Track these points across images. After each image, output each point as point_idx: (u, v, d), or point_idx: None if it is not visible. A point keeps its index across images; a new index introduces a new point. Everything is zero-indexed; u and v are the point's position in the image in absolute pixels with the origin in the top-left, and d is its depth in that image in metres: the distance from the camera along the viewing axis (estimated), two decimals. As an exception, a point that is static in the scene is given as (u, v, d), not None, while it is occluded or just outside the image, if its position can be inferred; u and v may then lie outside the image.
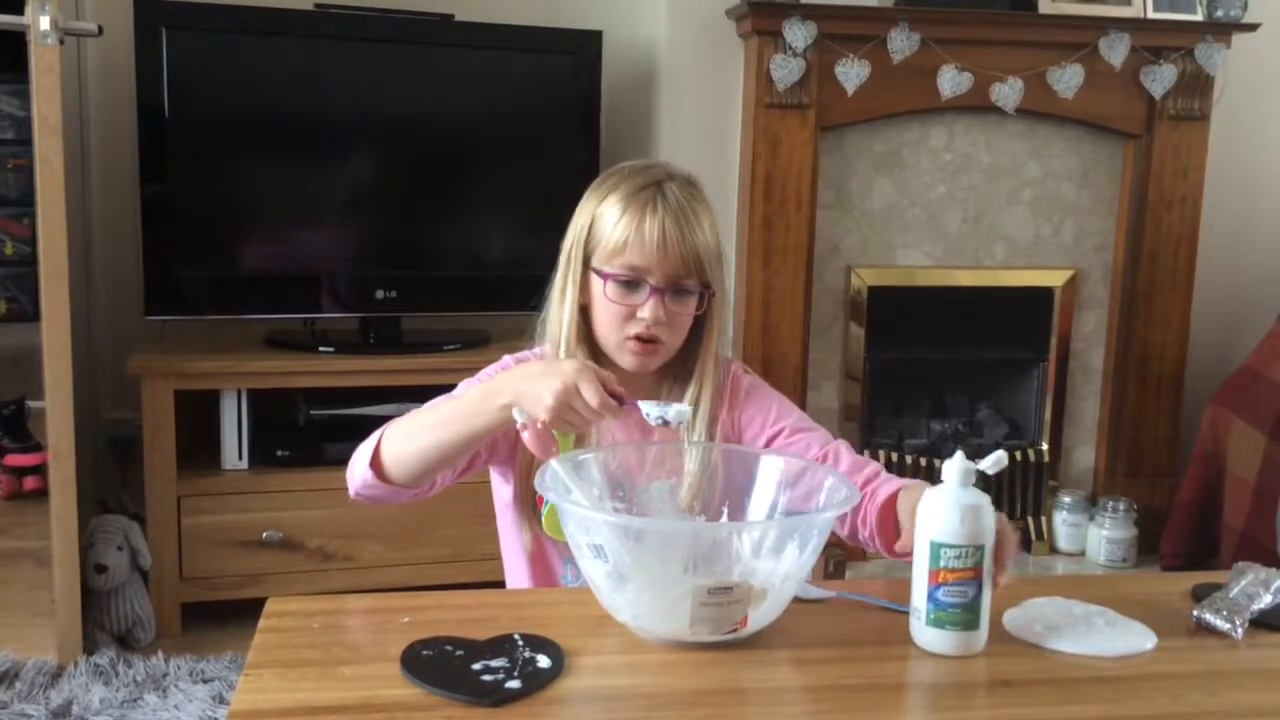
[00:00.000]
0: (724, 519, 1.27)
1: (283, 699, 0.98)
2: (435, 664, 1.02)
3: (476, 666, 1.02)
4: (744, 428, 1.44)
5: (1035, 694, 1.04)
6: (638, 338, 1.37)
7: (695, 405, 1.41)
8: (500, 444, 1.40)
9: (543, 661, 1.03)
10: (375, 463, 1.31)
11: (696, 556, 1.14)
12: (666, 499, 1.27)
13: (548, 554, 1.42)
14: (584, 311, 1.42)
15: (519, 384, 1.21)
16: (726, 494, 1.27)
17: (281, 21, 2.73)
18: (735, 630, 1.09)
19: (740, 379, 1.48)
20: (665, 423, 1.21)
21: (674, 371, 1.44)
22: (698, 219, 1.37)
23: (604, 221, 1.38)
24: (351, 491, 1.35)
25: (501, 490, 1.47)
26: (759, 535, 1.16)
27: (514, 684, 0.99)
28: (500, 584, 1.48)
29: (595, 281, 1.39)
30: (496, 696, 0.97)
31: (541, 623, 1.11)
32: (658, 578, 1.08)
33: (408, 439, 1.29)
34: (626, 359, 1.39)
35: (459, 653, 1.04)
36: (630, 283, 1.36)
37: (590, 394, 1.16)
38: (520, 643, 1.07)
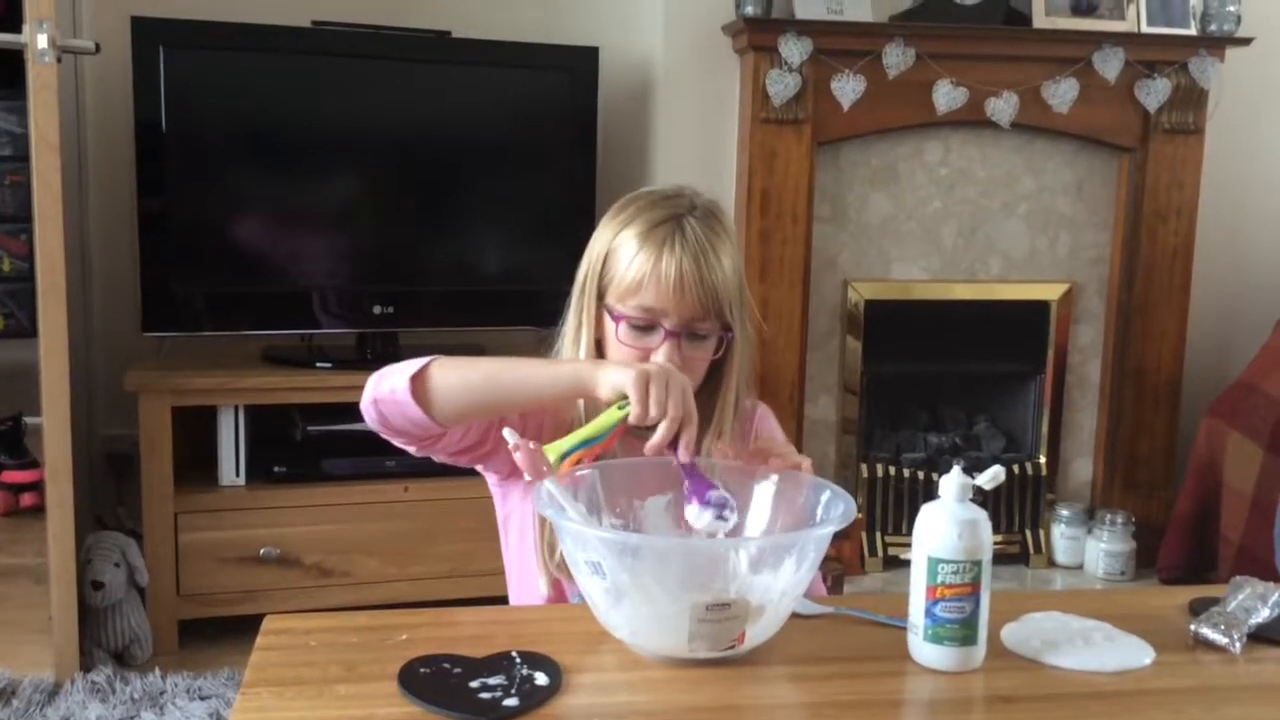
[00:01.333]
0: (720, 535, 1.26)
1: (280, 717, 0.98)
2: (433, 682, 1.02)
3: (474, 684, 1.02)
4: None
5: (1033, 710, 1.04)
6: None
7: (711, 453, 1.35)
8: (506, 455, 1.37)
9: (540, 679, 1.03)
10: (416, 381, 1.24)
11: (693, 573, 1.13)
12: (663, 515, 1.27)
13: (562, 586, 1.40)
14: (598, 345, 1.37)
15: (614, 364, 1.20)
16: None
17: (279, 39, 2.74)
18: (733, 647, 1.09)
19: (763, 421, 1.46)
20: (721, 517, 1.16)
21: None
22: (718, 257, 1.31)
23: (619, 256, 1.33)
24: (369, 398, 1.28)
25: (499, 507, 1.46)
26: (756, 551, 1.16)
27: (512, 701, 0.99)
28: (498, 599, 1.47)
29: (608, 320, 1.34)
30: (494, 714, 0.97)
31: (539, 640, 1.11)
32: (655, 594, 1.08)
33: (471, 371, 1.25)
34: None
35: (457, 670, 1.04)
36: (644, 325, 1.32)
37: (674, 398, 1.14)
38: (518, 660, 1.06)
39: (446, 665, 1.05)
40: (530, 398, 1.25)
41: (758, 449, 1.27)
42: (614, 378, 1.17)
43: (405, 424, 1.27)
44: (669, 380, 1.16)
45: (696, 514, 1.16)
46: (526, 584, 1.42)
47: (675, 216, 1.32)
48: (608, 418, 1.18)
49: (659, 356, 1.30)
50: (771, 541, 1.20)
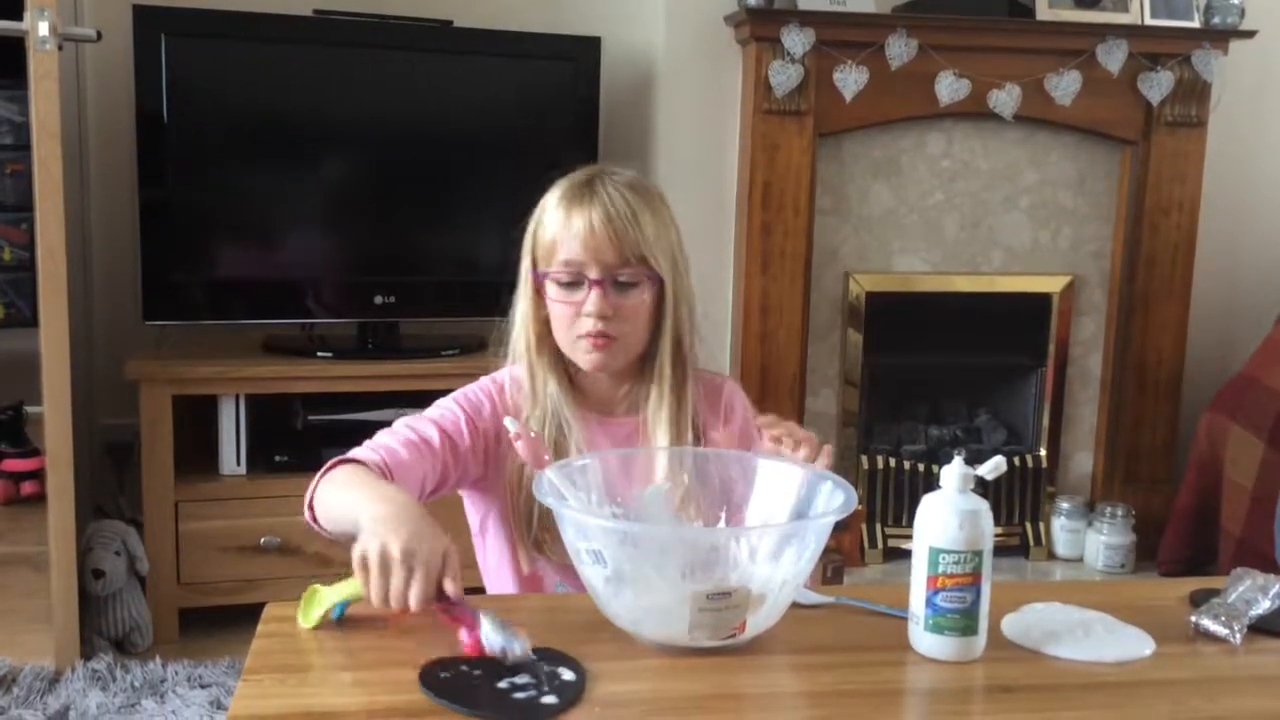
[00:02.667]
0: (721, 524, 1.26)
1: (281, 704, 0.98)
2: (459, 684, 1.00)
3: (503, 685, 1.00)
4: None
5: (1034, 700, 1.04)
6: (588, 335, 1.36)
7: (659, 408, 1.40)
8: (471, 464, 1.40)
9: (567, 675, 1.02)
10: (313, 509, 1.28)
11: (694, 562, 1.14)
12: (661, 503, 1.27)
13: (540, 576, 1.41)
14: (545, 322, 1.41)
15: (380, 523, 1.12)
16: (723, 499, 1.27)
17: (280, 28, 2.73)
18: (734, 635, 1.09)
19: (734, 398, 1.49)
20: (501, 653, 1.04)
21: (635, 372, 1.44)
22: (633, 211, 1.36)
23: (543, 224, 1.40)
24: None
25: (474, 512, 1.46)
26: (757, 540, 1.16)
27: (550, 699, 0.98)
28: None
29: (545, 286, 1.39)
30: (539, 713, 0.96)
31: (537, 630, 1.10)
32: (656, 583, 1.08)
33: (329, 502, 1.26)
34: (582, 358, 1.39)
35: (476, 672, 1.02)
36: (571, 281, 1.36)
37: (415, 591, 1.06)
38: (536, 657, 1.05)
39: (464, 668, 1.03)
40: (349, 529, 1.19)
41: (775, 435, 1.27)
42: (359, 546, 1.11)
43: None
44: (390, 571, 1.08)
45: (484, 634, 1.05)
46: (504, 577, 1.43)
47: (589, 179, 1.39)
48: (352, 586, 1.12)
49: (589, 307, 1.35)
50: (772, 530, 1.20)
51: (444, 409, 1.42)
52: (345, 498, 1.23)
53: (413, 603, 1.06)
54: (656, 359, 1.41)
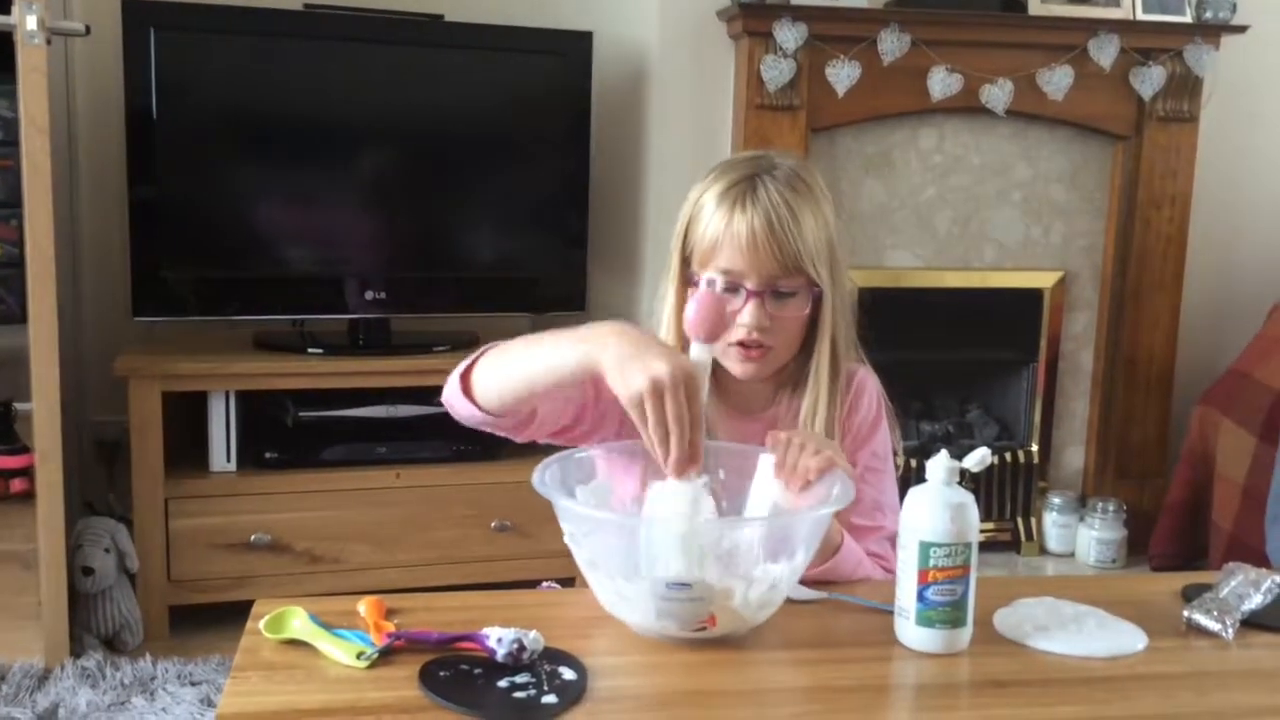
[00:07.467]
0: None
1: (270, 701, 0.98)
2: (458, 683, 1.00)
3: (503, 684, 1.00)
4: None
5: (1025, 694, 1.04)
6: (741, 344, 1.33)
7: (813, 414, 1.36)
8: (607, 417, 1.32)
9: (568, 674, 1.02)
10: (467, 381, 1.25)
11: (654, 552, 1.11)
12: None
13: None
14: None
15: (619, 349, 1.11)
16: (730, 492, 1.24)
17: (270, 22, 2.72)
18: (704, 629, 1.08)
19: (860, 394, 1.43)
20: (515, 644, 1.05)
21: (790, 378, 1.40)
22: (796, 215, 1.30)
23: (699, 221, 1.35)
24: (444, 398, 1.29)
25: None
26: (717, 535, 1.13)
27: (550, 699, 0.98)
28: (487, 586, 1.47)
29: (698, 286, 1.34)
30: (539, 714, 0.96)
31: (529, 624, 1.10)
32: (621, 568, 1.09)
33: (499, 363, 1.23)
34: (734, 366, 1.35)
35: (477, 671, 1.02)
36: (726, 288, 1.32)
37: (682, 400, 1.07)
38: (536, 656, 1.04)
39: (464, 667, 1.03)
40: (555, 383, 1.20)
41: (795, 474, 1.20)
42: (615, 381, 1.10)
43: (475, 422, 1.28)
44: (667, 399, 1.08)
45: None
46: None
47: (750, 176, 1.33)
48: None
49: (745, 318, 1.31)
50: (733, 524, 1.19)
51: None
52: (538, 356, 1.19)
53: (674, 428, 1.07)
54: (812, 366, 1.37)
